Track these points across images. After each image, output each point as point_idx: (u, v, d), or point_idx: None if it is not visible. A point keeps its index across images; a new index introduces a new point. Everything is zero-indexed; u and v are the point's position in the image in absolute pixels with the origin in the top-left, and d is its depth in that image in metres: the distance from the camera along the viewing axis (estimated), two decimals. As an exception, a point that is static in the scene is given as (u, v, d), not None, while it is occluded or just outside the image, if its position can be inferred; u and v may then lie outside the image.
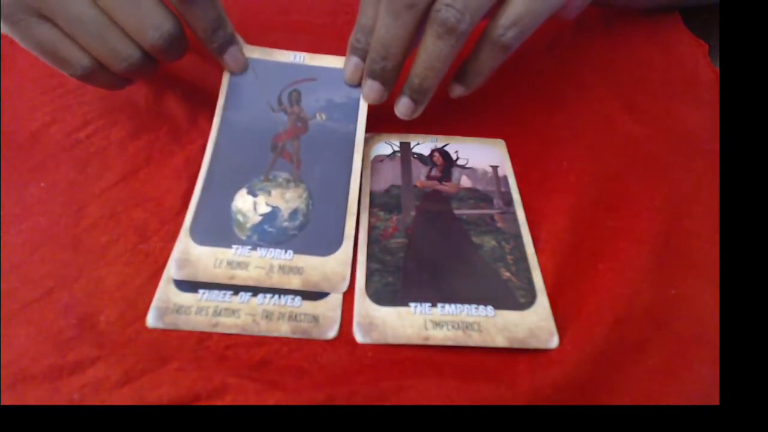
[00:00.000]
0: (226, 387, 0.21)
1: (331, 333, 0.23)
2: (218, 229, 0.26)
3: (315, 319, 0.24)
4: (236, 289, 0.24)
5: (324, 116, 0.29)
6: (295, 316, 0.24)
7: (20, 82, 0.32)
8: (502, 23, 0.24)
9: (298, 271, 0.25)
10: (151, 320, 0.23)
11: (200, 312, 0.23)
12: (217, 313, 0.23)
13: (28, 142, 0.29)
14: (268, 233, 0.26)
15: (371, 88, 0.27)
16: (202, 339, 0.23)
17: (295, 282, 0.24)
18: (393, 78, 0.27)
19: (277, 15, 0.39)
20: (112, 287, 0.24)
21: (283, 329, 0.23)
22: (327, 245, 0.25)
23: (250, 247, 0.25)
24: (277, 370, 0.22)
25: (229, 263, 0.25)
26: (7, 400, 0.20)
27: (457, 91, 0.28)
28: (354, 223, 0.26)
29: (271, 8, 0.39)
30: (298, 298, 0.24)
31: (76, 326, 0.22)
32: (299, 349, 0.23)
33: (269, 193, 0.27)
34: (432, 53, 0.24)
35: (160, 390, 0.21)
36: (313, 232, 0.26)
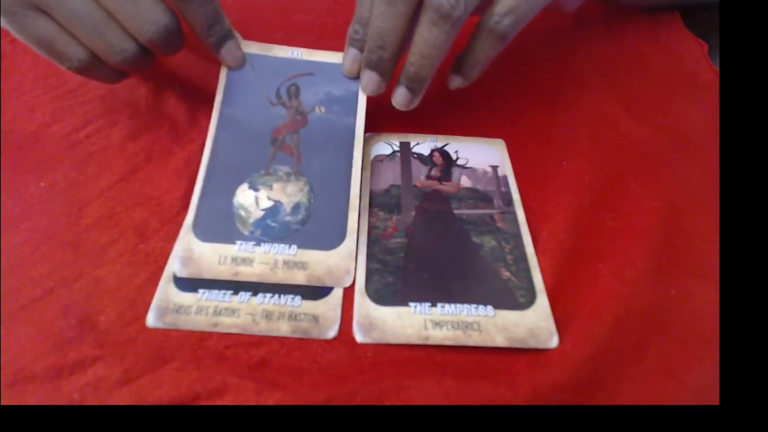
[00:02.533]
0: (226, 387, 0.21)
1: (331, 333, 0.23)
2: (221, 225, 0.26)
3: (315, 318, 0.24)
4: (236, 288, 0.24)
5: (323, 109, 0.29)
6: (295, 316, 0.24)
7: (20, 82, 0.32)
8: (497, 11, 0.24)
9: (302, 266, 0.25)
10: (151, 320, 0.23)
11: (200, 312, 0.23)
12: (217, 312, 0.23)
13: (28, 142, 0.29)
14: (271, 228, 0.26)
15: (369, 79, 0.27)
16: (202, 339, 0.23)
17: (299, 277, 0.24)
18: (390, 68, 0.27)
19: (277, 15, 0.39)
20: (112, 287, 0.24)
21: (283, 329, 0.23)
22: (330, 239, 0.25)
23: (253, 242, 0.25)
24: (276, 370, 0.22)
25: (234, 259, 0.25)
26: (7, 400, 0.20)
27: (456, 82, 0.28)
28: (356, 217, 0.26)
29: (271, 8, 0.39)
30: (298, 298, 0.24)
31: (76, 326, 0.22)
32: (299, 349, 0.23)
33: (271, 187, 0.27)
34: (427, 40, 0.24)
35: (160, 390, 0.21)
36: (315, 227, 0.26)
